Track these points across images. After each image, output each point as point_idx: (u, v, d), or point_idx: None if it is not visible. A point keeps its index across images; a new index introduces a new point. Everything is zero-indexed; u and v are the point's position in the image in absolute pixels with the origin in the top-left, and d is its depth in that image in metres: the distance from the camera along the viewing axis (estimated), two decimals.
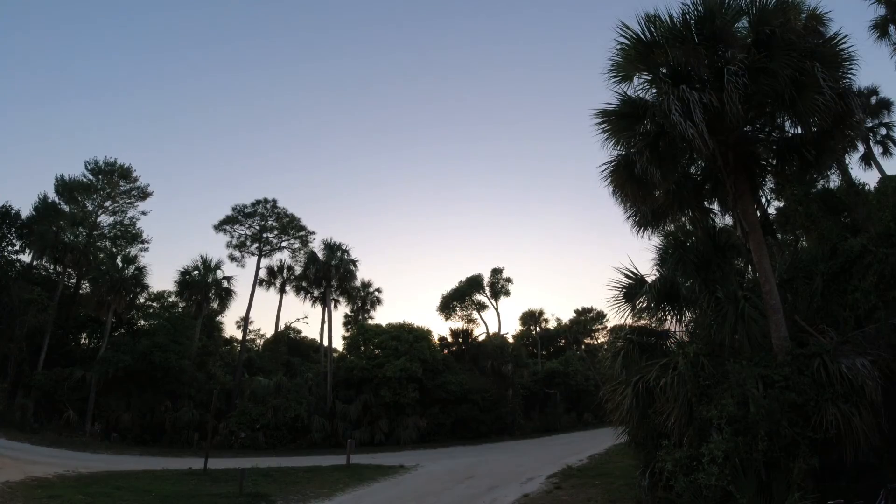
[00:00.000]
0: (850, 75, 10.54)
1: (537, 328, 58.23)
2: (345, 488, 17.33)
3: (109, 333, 35.28)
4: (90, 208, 40.49)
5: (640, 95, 11.53)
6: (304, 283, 42.38)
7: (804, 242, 16.88)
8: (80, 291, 39.22)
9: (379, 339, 38.72)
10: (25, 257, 37.80)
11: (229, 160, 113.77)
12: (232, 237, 42.77)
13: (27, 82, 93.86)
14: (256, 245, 42.97)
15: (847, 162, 18.62)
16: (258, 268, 42.35)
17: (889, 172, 25.60)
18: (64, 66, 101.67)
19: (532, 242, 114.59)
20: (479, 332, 49.82)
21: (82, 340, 39.83)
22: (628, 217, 13.46)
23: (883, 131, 30.05)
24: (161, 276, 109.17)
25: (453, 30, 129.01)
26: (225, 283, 40.52)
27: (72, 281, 39.19)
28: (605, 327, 56.98)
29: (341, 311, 46.28)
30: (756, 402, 8.97)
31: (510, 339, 51.93)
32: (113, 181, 40.88)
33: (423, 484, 18.09)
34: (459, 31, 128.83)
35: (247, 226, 43.14)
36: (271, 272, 43.07)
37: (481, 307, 52.30)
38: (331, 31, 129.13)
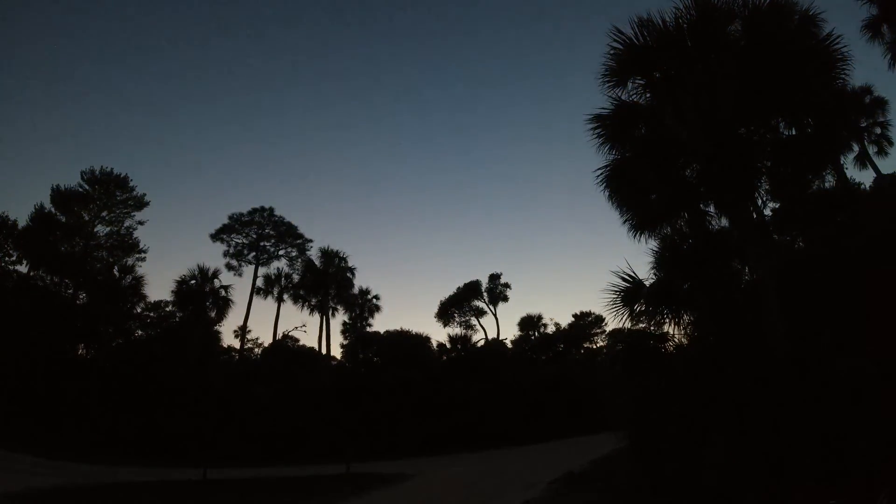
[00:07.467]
0: (843, 75, 10.58)
1: (536, 333, 58.18)
2: (344, 499, 17.22)
3: (107, 344, 35.16)
4: (87, 218, 40.41)
5: (634, 100, 11.58)
6: (301, 292, 42.41)
7: (801, 243, 16.89)
8: (78, 302, 39.11)
9: (377, 346, 38.68)
10: (22, 268, 37.76)
11: (225, 168, 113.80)
12: (229, 246, 42.82)
13: (20, 89, 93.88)
14: (254, 254, 42.98)
15: (842, 162, 18.68)
16: (255, 276, 42.41)
17: (884, 171, 25.72)
18: (57, 73, 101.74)
19: (530, 247, 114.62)
20: (478, 338, 49.90)
21: (80, 351, 39.68)
22: (624, 221, 13.43)
23: (877, 130, 30.20)
24: (158, 286, 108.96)
25: (448, 32, 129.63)
26: (223, 293, 40.46)
27: (69, 291, 39.06)
28: (604, 331, 56.96)
29: (339, 318, 46.33)
30: (756, 404, 8.95)
31: (509, 345, 51.94)
32: (109, 191, 40.84)
33: (423, 492, 18.01)
34: (455, 33, 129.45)
35: (244, 234, 43.17)
36: (269, 281, 43.04)
37: (480, 313, 52.42)
38: (326, 37, 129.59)
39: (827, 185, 17.41)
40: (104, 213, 41.09)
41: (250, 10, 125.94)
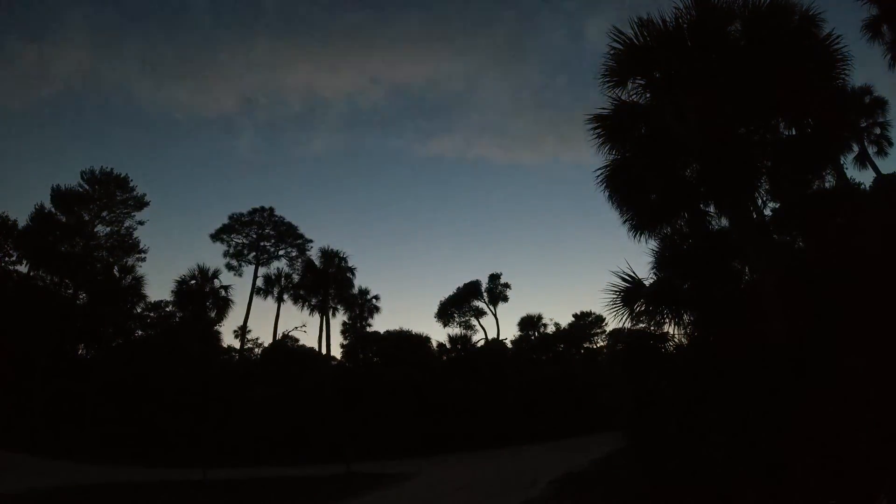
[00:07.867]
0: (843, 76, 10.60)
1: (536, 333, 58.16)
2: (343, 498, 17.23)
3: (107, 344, 35.16)
4: (87, 218, 40.41)
5: (635, 100, 11.59)
6: (301, 292, 42.35)
7: (801, 243, 16.89)
8: (78, 302, 39.11)
9: (377, 346, 38.70)
10: (22, 268, 37.79)
11: (225, 166, 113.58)
12: (229, 246, 42.86)
13: (20, 88, 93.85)
14: (254, 254, 43.01)
15: (842, 162, 18.68)
16: (255, 276, 42.45)
17: (884, 171, 25.75)
18: (57, 72, 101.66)
19: (530, 247, 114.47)
20: (478, 338, 49.93)
21: (80, 351, 39.70)
22: (625, 221, 13.43)
23: (877, 130, 30.21)
24: (158, 286, 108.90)
25: (445, 27, 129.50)
26: (223, 293, 40.41)
27: (69, 291, 39.07)
28: (604, 331, 56.97)
29: (339, 318, 46.25)
30: (755, 403, 8.96)
31: (509, 345, 51.94)
32: (109, 191, 40.85)
33: (422, 492, 18.01)
34: (454, 29, 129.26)
35: (244, 234, 43.23)
36: (269, 281, 43.05)
37: (480, 313, 52.44)
38: (326, 35, 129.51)
39: (827, 185, 17.43)
40: (104, 213, 41.10)
41: (250, 7, 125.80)
